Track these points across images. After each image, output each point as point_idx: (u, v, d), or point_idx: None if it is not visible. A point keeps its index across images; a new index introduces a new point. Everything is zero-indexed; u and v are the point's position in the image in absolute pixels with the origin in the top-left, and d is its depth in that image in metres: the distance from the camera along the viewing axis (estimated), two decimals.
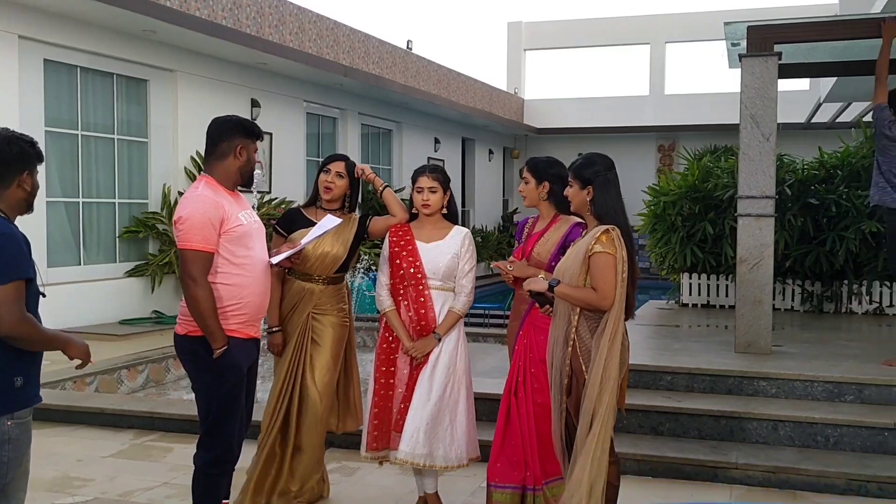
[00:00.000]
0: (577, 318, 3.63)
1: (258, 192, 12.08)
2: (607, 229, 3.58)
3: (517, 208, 23.53)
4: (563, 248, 4.11)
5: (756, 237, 6.54)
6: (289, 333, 4.46)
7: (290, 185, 13.52)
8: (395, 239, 4.38)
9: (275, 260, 3.98)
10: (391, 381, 4.33)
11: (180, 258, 3.58)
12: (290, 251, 4.08)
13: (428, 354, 4.25)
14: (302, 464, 4.48)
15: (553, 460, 4.11)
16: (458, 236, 4.36)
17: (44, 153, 3.08)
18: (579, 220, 4.07)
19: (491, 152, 22.75)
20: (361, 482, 5.15)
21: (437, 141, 19.46)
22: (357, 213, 4.63)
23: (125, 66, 10.58)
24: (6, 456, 2.87)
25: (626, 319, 3.62)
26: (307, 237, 4.22)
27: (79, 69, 10.03)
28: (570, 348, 3.64)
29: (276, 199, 12.46)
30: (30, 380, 2.94)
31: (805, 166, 9.35)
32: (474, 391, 4.48)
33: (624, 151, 21.19)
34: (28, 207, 2.99)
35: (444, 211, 4.39)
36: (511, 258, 4.43)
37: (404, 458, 4.19)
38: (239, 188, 3.83)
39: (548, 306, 3.89)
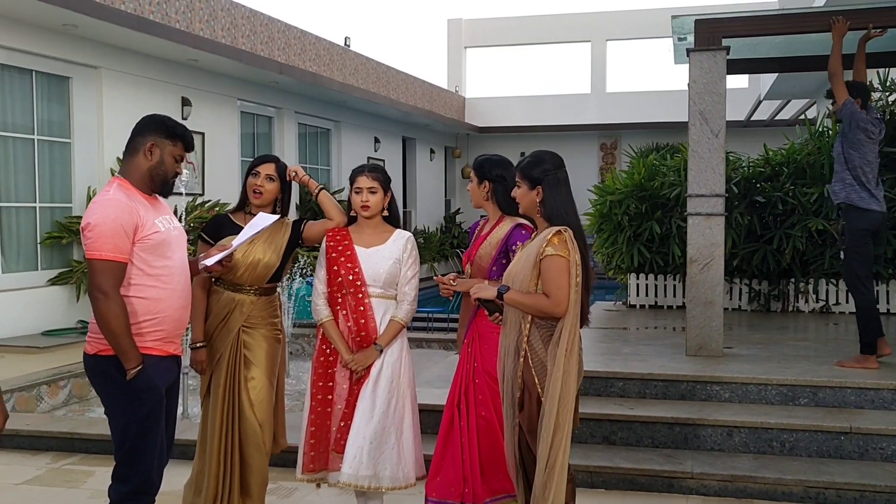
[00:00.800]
0: (528, 326, 3.42)
1: (189, 194, 11.67)
2: (559, 230, 3.37)
3: (459, 208, 23.37)
4: (503, 251, 3.93)
5: (706, 236, 6.43)
6: (217, 350, 4.14)
7: (223, 186, 13.11)
8: (332, 244, 4.11)
9: (208, 262, 3.70)
10: (329, 396, 4.06)
11: (89, 269, 3.26)
12: (222, 253, 3.77)
13: (369, 368, 4.00)
14: (252, 501, 4.15)
15: (498, 477, 3.92)
16: (401, 241, 4.12)
17: None
18: (522, 221, 3.87)
19: (432, 152, 22.55)
20: None
21: (377, 140, 19.18)
22: (289, 218, 4.35)
23: (45, 63, 10.08)
24: None
25: (580, 327, 3.42)
26: (239, 237, 3.90)
27: None
28: (521, 359, 3.43)
29: (208, 201, 12.06)
30: None
31: (751, 164, 9.31)
32: (419, 402, 4.24)
33: (567, 150, 21.04)
34: None
35: (385, 213, 4.15)
36: (452, 274, 4.21)
37: (347, 482, 3.94)
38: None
39: (497, 314, 3.67)
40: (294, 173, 4.23)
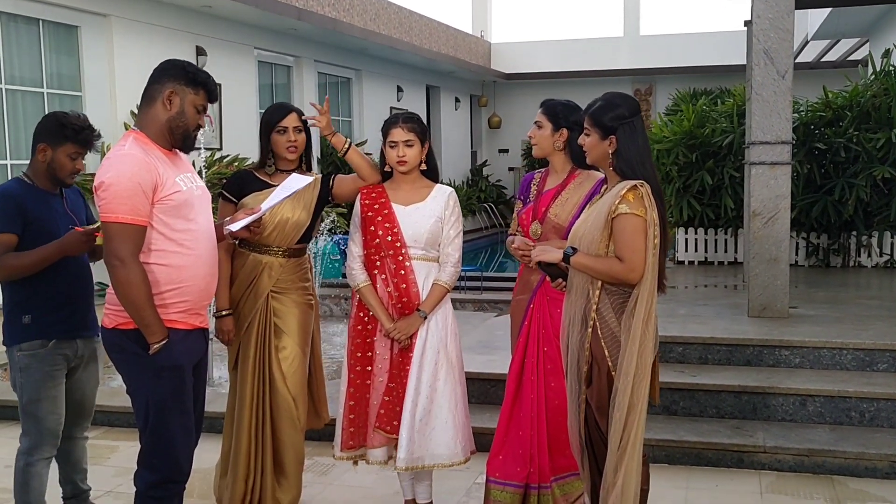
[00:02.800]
0: (597, 293, 3.11)
1: (206, 148, 11.38)
2: (635, 185, 3.04)
3: (486, 160, 22.98)
4: None
5: (771, 188, 6.06)
6: (244, 318, 3.88)
7: (242, 140, 12.80)
8: (367, 202, 3.82)
9: (234, 227, 3.42)
10: (368, 368, 3.82)
11: (104, 233, 2.98)
12: (249, 217, 3.48)
13: (413, 337, 3.73)
14: (288, 481, 3.93)
15: (564, 454, 3.66)
16: (442, 197, 3.82)
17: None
18: (602, 175, 3.54)
19: (457, 100, 22.09)
20: (338, 482, 4.64)
21: (399, 89, 18.78)
22: (317, 172, 4.04)
23: (53, 11, 9.75)
24: (20, 381, 3.60)
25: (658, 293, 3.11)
26: (270, 200, 3.59)
27: (1, 15, 9.20)
28: (589, 330, 3.13)
29: (227, 156, 11.77)
30: (38, 318, 3.56)
31: (809, 108, 8.86)
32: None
33: (598, 96, 20.69)
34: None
35: (423, 167, 3.84)
36: (518, 226, 3.88)
37: (404, 466, 3.71)
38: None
39: (560, 280, 3.36)
40: (317, 122, 3.88)
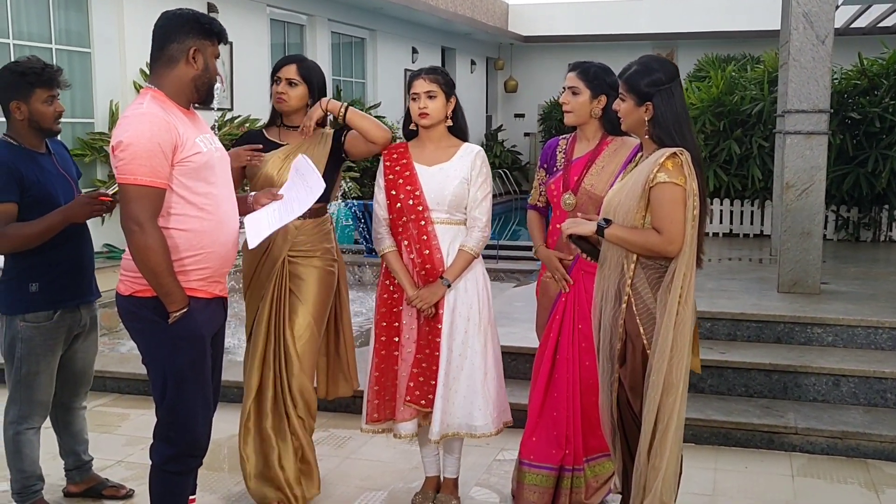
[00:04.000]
0: (633, 267, 3.01)
1: (219, 108, 11.25)
2: (674, 153, 2.92)
3: (502, 125, 22.76)
4: None
5: (806, 158, 5.91)
6: (261, 286, 3.79)
7: (253, 101, 12.65)
8: (389, 164, 3.70)
9: (257, 239, 3.21)
10: (395, 338, 3.71)
11: (121, 196, 2.87)
12: (272, 204, 3.33)
13: (438, 305, 3.60)
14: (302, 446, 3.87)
15: (596, 434, 3.59)
16: (468, 156, 3.66)
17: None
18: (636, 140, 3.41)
19: (473, 63, 21.85)
20: (355, 456, 4.57)
21: (414, 51, 18.56)
22: (329, 128, 3.90)
23: None
24: (20, 352, 3.55)
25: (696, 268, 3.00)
26: (285, 188, 3.44)
27: None
28: (623, 306, 3.02)
29: (238, 116, 11.65)
30: (46, 287, 3.52)
31: (844, 75, 8.66)
32: None
33: (618, 61, 20.00)
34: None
35: (450, 123, 3.69)
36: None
37: (439, 437, 3.63)
38: (195, 106, 3.11)
39: (589, 257, 3.26)
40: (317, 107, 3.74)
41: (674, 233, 2.90)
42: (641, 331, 3.00)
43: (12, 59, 9.12)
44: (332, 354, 4.04)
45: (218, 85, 3.25)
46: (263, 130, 3.90)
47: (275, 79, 3.79)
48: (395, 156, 3.71)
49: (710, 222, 9.28)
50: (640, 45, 22.13)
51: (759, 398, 4.98)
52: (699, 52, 19.30)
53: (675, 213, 2.90)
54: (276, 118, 3.87)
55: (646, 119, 3.01)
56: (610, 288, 3.09)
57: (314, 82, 3.80)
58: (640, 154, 3.18)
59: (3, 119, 3.62)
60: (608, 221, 3.02)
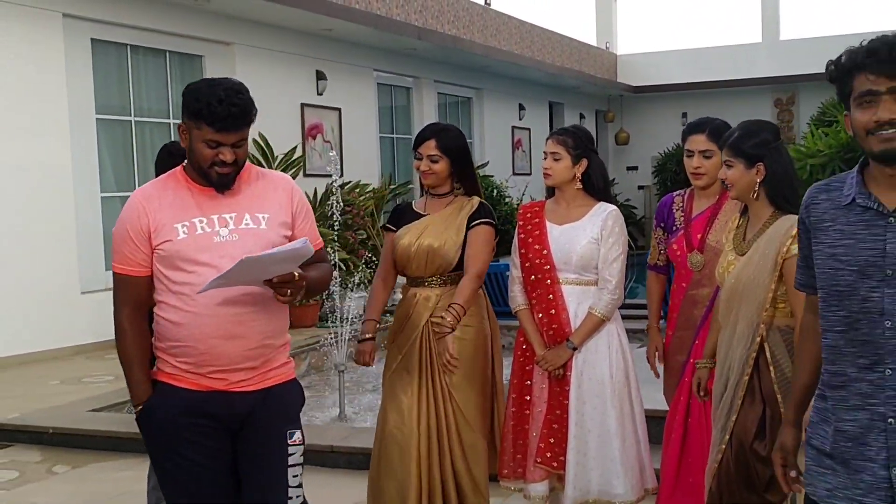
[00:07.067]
0: (765, 331, 3.11)
1: (323, 175, 11.71)
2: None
3: (614, 178, 22.84)
4: None
5: None
6: (398, 349, 3.94)
7: (362, 166, 13.22)
8: (522, 222, 3.91)
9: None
10: (526, 396, 3.85)
11: None
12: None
13: (566, 367, 3.72)
14: None
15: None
16: (600, 215, 3.77)
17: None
18: None
19: (582, 117, 22.12)
20: None
21: (521, 107, 18.96)
22: (476, 199, 4.00)
23: (178, 42, 10.39)
24: None
25: None
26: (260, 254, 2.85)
27: (128, 48, 9.87)
28: (758, 370, 3.12)
29: (348, 182, 12.14)
30: None
31: None
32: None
33: (736, 108, 20.26)
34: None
35: (578, 186, 3.81)
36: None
37: (574, 501, 3.71)
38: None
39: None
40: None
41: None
42: (780, 399, 3.05)
43: (134, 136, 9.93)
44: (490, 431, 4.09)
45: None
46: (413, 202, 4.15)
47: (416, 155, 3.97)
48: (528, 214, 3.92)
49: None
50: (759, 90, 22.05)
51: None
52: (823, 95, 19.02)
53: None
54: (422, 188, 4.08)
55: (757, 181, 3.13)
56: (740, 356, 3.14)
57: (454, 153, 3.94)
58: (741, 217, 3.28)
59: None
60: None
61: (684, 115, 21.03)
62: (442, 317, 3.79)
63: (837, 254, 2.19)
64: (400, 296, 4.13)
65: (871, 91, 2.09)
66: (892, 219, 2.13)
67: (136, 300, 2.87)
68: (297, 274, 2.74)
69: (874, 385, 2.13)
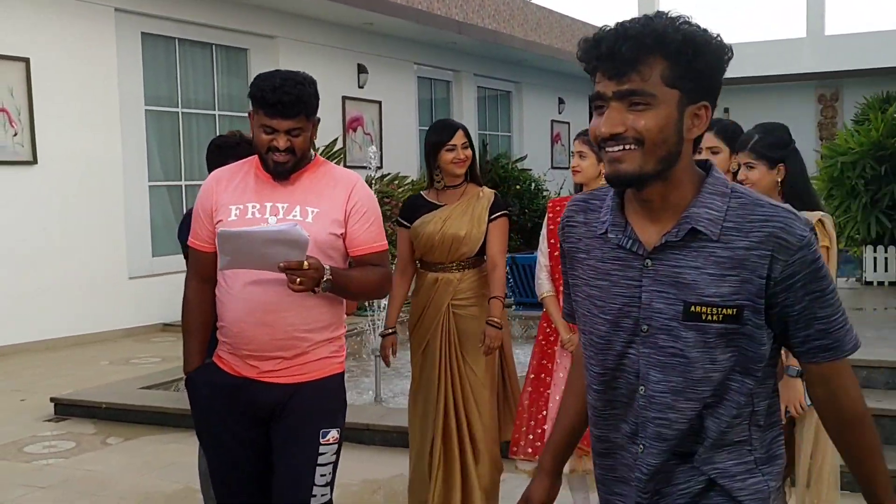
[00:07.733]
0: None
1: (363, 167, 11.99)
2: (819, 219, 3.29)
3: None
4: None
5: None
6: (423, 334, 4.17)
7: (402, 158, 13.50)
8: (551, 215, 4.21)
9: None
10: (543, 376, 4.14)
11: None
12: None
13: None
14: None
15: None
16: None
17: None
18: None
19: None
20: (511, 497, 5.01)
21: (560, 101, 19.14)
22: (490, 191, 4.26)
23: (224, 36, 10.74)
24: None
25: None
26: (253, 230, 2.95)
27: (176, 41, 10.24)
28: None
29: (387, 174, 12.42)
30: None
31: None
32: None
33: (778, 104, 20.34)
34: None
35: (603, 183, 4.15)
36: None
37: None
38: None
39: None
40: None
41: None
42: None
43: (181, 127, 10.31)
44: (500, 399, 4.35)
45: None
46: (422, 193, 4.34)
47: (449, 147, 4.10)
48: (557, 207, 4.22)
49: (875, 270, 9.32)
50: (803, 85, 21.99)
51: None
52: (867, 91, 19.03)
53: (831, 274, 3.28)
54: (436, 178, 4.22)
55: (777, 180, 3.35)
56: None
57: (472, 143, 4.27)
58: None
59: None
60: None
61: (726, 110, 21.02)
62: (491, 323, 4.03)
63: (593, 296, 1.76)
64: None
65: (599, 94, 1.68)
66: (648, 261, 1.67)
67: (201, 274, 3.01)
68: (306, 263, 2.69)
69: (634, 458, 1.73)
